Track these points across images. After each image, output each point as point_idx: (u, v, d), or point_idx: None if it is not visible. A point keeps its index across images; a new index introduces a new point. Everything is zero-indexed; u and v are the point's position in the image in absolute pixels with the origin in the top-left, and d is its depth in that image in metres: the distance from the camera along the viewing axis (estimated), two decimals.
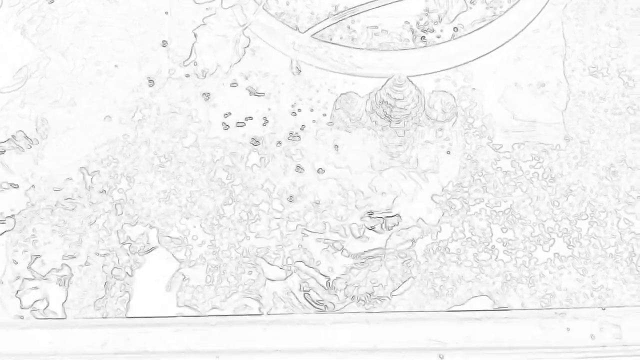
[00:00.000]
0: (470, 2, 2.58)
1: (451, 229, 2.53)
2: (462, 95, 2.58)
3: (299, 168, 2.53)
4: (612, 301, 2.48)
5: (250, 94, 2.54)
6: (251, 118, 2.53)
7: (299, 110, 2.55)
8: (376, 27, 2.57)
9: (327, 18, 2.57)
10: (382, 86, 2.50)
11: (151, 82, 2.52)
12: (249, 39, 2.56)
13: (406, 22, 2.59)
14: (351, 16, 2.56)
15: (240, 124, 2.55)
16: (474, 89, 2.58)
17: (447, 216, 2.52)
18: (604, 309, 2.44)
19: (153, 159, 2.54)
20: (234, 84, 2.54)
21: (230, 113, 2.55)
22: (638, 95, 2.62)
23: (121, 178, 2.53)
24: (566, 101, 2.59)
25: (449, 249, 2.50)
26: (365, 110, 2.52)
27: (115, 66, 2.54)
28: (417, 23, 2.60)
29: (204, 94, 2.54)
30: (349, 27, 2.57)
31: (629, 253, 2.51)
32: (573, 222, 2.50)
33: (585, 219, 2.51)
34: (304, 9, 2.58)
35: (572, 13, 2.64)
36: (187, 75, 2.52)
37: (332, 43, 2.54)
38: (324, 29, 2.56)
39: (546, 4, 2.60)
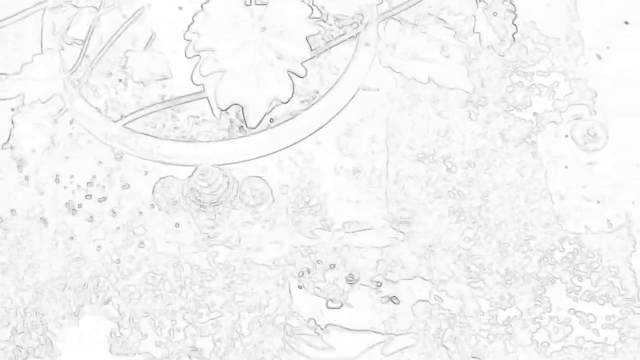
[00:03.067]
0: (287, 98, 2.75)
1: (278, 302, 2.67)
2: (303, 175, 2.72)
3: (141, 244, 2.70)
4: None
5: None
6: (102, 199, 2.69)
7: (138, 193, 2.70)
8: (198, 116, 2.74)
9: (152, 105, 2.74)
10: (191, 175, 2.67)
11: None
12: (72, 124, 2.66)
13: (226, 112, 2.73)
14: (170, 107, 2.69)
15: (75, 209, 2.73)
16: (313, 169, 2.73)
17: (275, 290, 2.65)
18: None
19: None
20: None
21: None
22: (458, 180, 2.78)
23: None
24: (387, 186, 2.69)
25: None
26: (182, 194, 2.70)
27: None
28: (237, 114, 2.74)
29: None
30: (173, 116, 2.75)
31: (436, 329, 2.68)
32: (394, 300, 2.64)
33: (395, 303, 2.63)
34: (131, 98, 2.76)
35: (407, 102, 2.82)
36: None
37: (141, 133, 2.68)
38: (137, 118, 2.72)
39: (355, 93, 2.77)
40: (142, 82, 2.64)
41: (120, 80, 2.67)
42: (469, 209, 2.69)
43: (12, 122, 2.65)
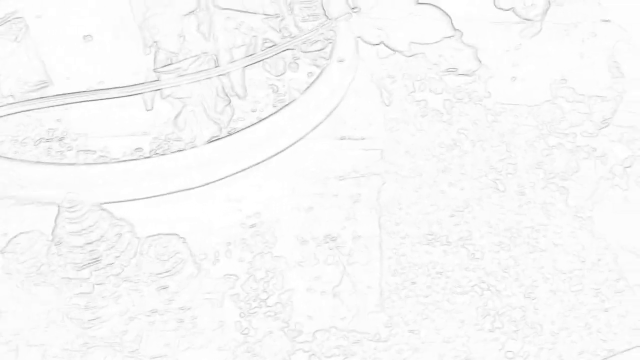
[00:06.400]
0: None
1: None
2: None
3: None
4: None
5: None
6: None
7: None
8: (94, 151, 1.81)
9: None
10: (56, 217, 1.67)
11: None
12: None
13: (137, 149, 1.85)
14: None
15: None
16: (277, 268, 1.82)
17: None
18: None
19: None
20: None
21: None
22: (485, 270, 1.92)
23: None
24: (379, 276, 1.90)
25: None
26: (47, 255, 1.68)
27: None
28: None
29: None
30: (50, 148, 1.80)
31: None
32: None
33: None
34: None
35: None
36: None
37: None
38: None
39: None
40: (11, 96, 1.76)
41: None
42: (507, 309, 1.90)
43: None
